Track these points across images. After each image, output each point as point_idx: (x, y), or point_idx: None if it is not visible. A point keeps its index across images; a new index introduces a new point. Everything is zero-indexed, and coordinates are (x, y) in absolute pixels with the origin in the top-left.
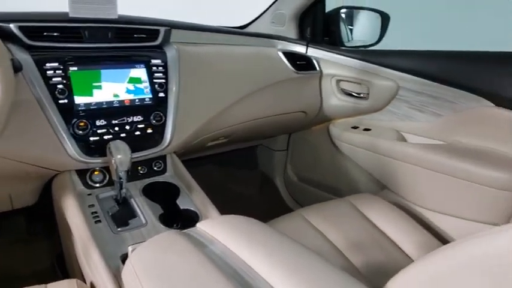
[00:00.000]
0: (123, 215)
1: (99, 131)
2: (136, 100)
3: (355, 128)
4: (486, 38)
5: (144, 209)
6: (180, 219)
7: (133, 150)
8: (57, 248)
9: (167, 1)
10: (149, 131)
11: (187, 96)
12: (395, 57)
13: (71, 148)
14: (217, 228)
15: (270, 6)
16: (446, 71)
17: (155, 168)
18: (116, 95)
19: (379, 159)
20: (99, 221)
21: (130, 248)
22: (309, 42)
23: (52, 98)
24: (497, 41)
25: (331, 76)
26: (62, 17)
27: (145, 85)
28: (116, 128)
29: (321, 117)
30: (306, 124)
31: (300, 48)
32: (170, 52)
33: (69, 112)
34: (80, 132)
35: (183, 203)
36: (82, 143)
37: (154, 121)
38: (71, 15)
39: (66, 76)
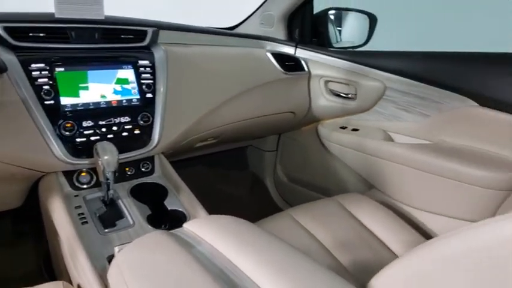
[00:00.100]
0: (111, 216)
1: (86, 132)
2: (124, 101)
3: (343, 128)
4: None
5: (132, 210)
6: (167, 220)
7: (121, 151)
8: (44, 250)
9: (155, 2)
10: (137, 131)
11: (175, 97)
12: (383, 58)
13: (58, 149)
14: (204, 228)
15: (258, 8)
16: (432, 72)
17: (143, 169)
18: (103, 96)
19: (366, 159)
20: (86, 222)
21: (116, 249)
22: (298, 43)
23: (38, 99)
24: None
25: (320, 77)
26: (48, 18)
27: (132, 86)
28: (103, 129)
29: (309, 118)
30: (295, 124)
31: (288, 49)
32: (158, 53)
33: (55, 113)
34: (67, 133)
35: (171, 204)
36: (69, 144)
37: (141, 122)
38: (56, 15)
39: (52, 77)
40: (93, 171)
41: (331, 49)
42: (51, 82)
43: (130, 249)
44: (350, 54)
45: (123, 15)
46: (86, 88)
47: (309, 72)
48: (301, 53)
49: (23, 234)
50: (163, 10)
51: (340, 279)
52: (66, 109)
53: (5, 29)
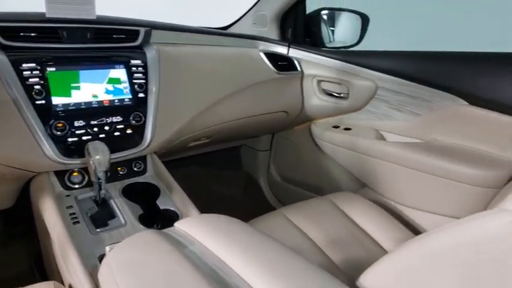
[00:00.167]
0: (102, 216)
1: (77, 132)
2: (116, 101)
3: (336, 127)
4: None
5: (124, 210)
6: (159, 220)
7: (113, 150)
8: (36, 250)
9: (150, 2)
10: (129, 131)
11: (167, 96)
12: (375, 58)
13: (49, 149)
14: (195, 227)
15: (251, 8)
16: (423, 71)
17: (135, 168)
18: (94, 96)
19: (359, 158)
20: (78, 222)
21: (107, 248)
22: (291, 43)
23: (29, 98)
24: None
25: (312, 76)
26: (40, 17)
27: (124, 85)
28: (95, 129)
29: (302, 117)
30: (288, 124)
31: (281, 49)
32: (150, 53)
33: (46, 113)
34: (58, 133)
35: (163, 203)
36: (60, 144)
37: (133, 121)
38: (47, 15)
39: (43, 77)
40: (84, 171)
41: (324, 49)
42: (42, 82)
43: (120, 249)
44: (342, 54)
45: (117, 16)
46: (78, 88)
47: (302, 72)
48: (294, 53)
49: (15, 235)
50: (158, 10)
51: (331, 276)
52: (57, 109)
53: None
